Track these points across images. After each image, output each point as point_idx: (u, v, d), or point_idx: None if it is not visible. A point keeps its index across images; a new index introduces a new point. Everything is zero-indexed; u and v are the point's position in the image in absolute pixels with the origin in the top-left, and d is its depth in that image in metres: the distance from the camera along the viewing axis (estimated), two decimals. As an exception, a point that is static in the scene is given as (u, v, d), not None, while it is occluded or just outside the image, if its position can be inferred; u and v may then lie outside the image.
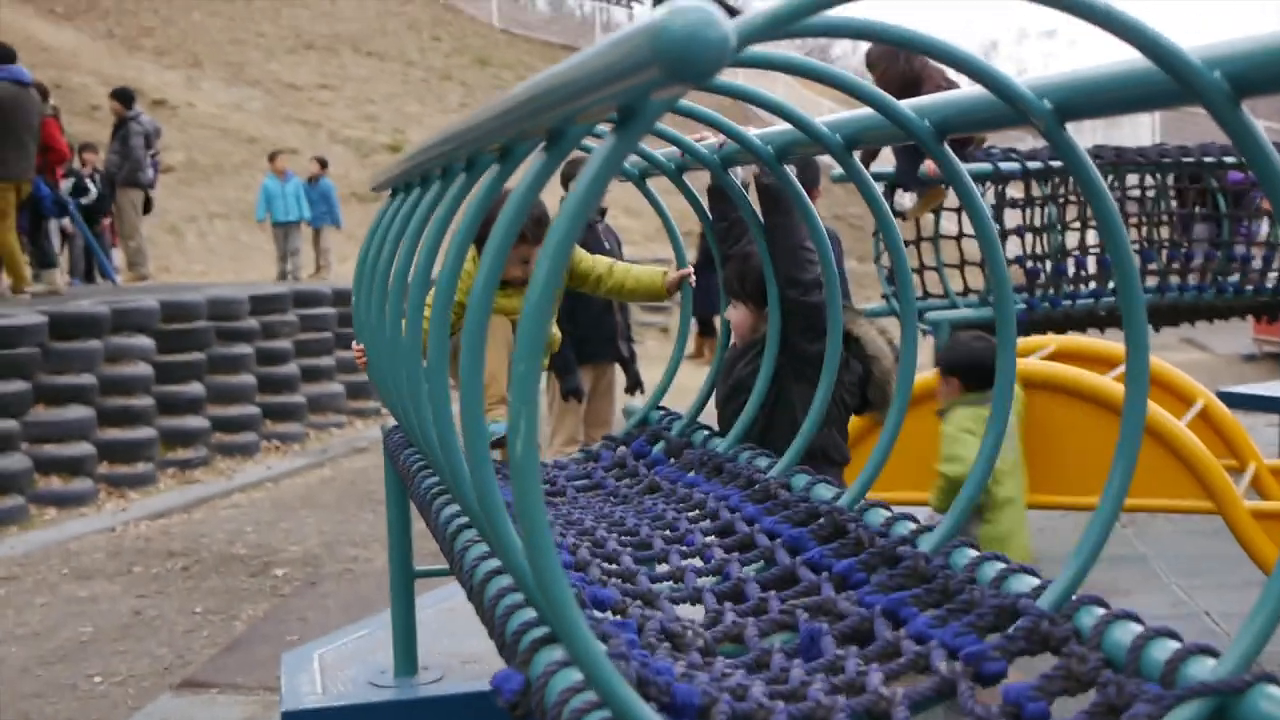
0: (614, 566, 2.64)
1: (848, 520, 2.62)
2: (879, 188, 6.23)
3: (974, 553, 2.30)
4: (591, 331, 7.61)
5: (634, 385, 8.10)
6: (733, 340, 4.23)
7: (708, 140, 3.56)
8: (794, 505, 2.84)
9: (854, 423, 5.10)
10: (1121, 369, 4.28)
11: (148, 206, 15.66)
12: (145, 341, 11.65)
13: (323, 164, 19.13)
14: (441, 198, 2.76)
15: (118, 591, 7.64)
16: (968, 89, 2.26)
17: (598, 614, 2.28)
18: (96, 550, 8.65)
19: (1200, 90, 1.57)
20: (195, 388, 12.14)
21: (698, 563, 2.67)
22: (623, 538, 2.86)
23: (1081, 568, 2.04)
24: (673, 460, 3.63)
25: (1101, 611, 1.94)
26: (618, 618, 2.30)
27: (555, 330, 4.28)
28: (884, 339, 4.21)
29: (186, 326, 12.27)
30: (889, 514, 2.62)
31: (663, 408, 4.21)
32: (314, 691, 4.28)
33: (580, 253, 4.29)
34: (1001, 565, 2.20)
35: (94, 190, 15.57)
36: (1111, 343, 7.91)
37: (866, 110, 2.49)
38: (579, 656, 1.57)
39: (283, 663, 4.57)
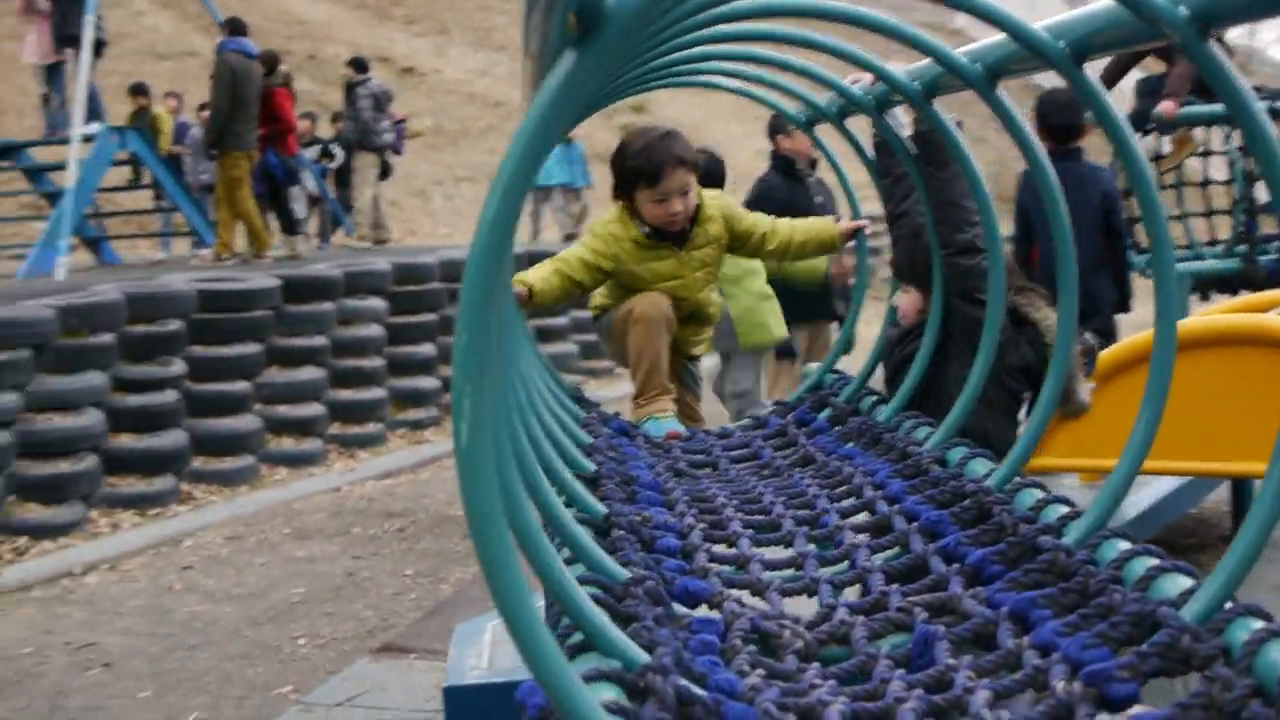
0: (729, 551, 2.41)
1: (994, 503, 2.31)
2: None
3: (1125, 545, 1.96)
4: (804, 292, 7.27)
5: (847, 345, 7.74)
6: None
7: (863, 81, 3.22)
8: (943, 484, 2.53)
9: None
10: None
11: (386, 171, 15.88)
12: (378, 303, 11.79)
13: (571, 125, 19.01)
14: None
15: (335, 552, 7.70)
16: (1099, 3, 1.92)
17: (682, 609, 2.04)
18: (320, 510, 8.77)
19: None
20: (427, 348, 12.24)
21: (828, 548, 2.40)
22: (752, 517, 2.60)
23: (1238, 568, 1.69)
24: (836, 428, 3.35)
25: (1258, 625, 1.59)
26: (712, 613, 2.06)
27: (715, 297, 3.98)
28: (1052, 309, 3.72)
29: (419, 288, 12.35)
30: (1042, 496, 2.29)
31: (837, 371, 3.92)
32: (479, 665, 4.14)
33: (739, 212, 3.94)
34: (1153, 562, 1.86)
35: (339, 155, 15.95)
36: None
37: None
38: (543, 679, 1.31)
39: (455, 633, 4.44)
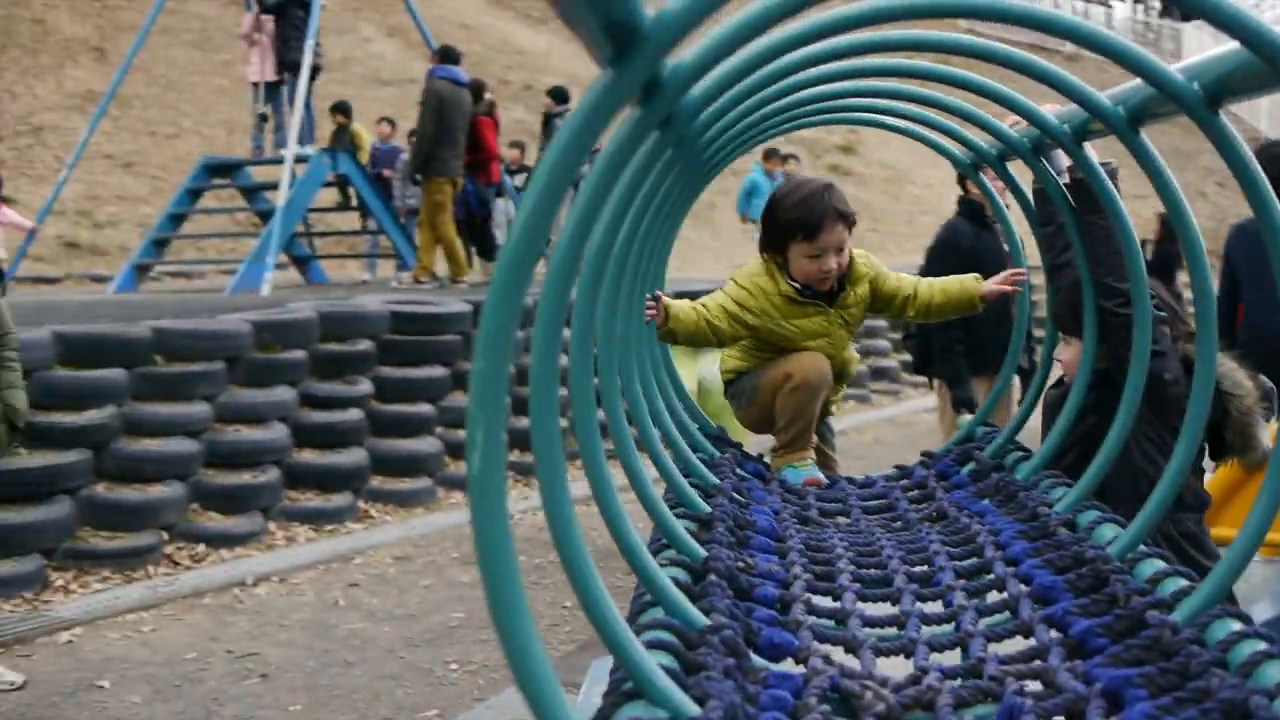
0: (833, 604, 2.32)
1: (1111, 571, 2.19)
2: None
3: (1236, 626, 1.83)
4: (987, 339, 7.07)
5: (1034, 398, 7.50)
6: (1063, 378, 3.73)
7: (1023, 124, 3.10)
8: (1065, 548, 2.41)
9: (1226, 473, 4.44)
10: None
11: (585, 201, 15.95)
12: (565, 333, 11.82)
13: (783, 158, 18.70)
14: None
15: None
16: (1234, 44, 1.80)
17: (763, 661, 1.97)
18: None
19: None
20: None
21: (935, 607, 2.31)
22: (865, 570, 2.51)
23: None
24: (976, 484, 3.23)
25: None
26: (797, 668, 1.98)
27: (854, 353, 3.84)
28: (1243, 372, 3.52)
29: None
30: (1162, 568, 2.16)
31: (989, 424, 3.79)
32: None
33: (884, 273, 3.75)
34: (1260, 646, 1.73)
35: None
36: None
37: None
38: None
39: (590, 669, 4.40)
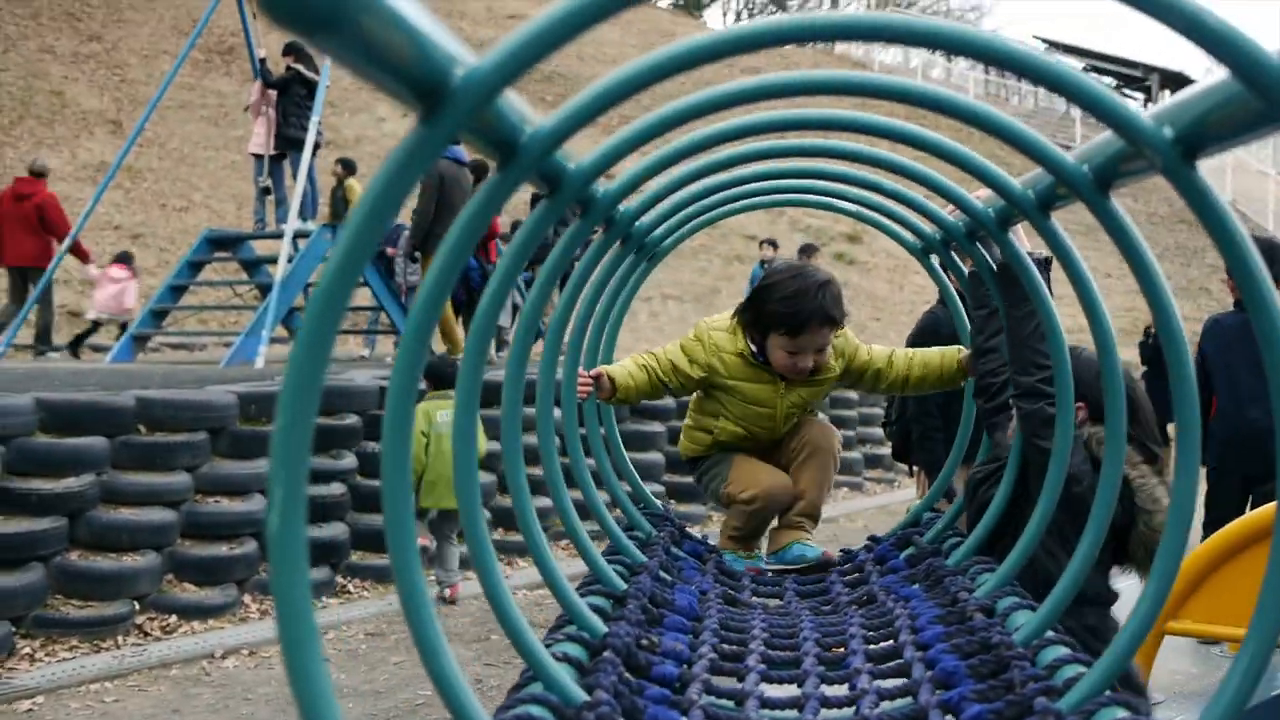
0: (734, 685, 2.28)
1: (1013, 658, 2.15)
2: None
3: (1122, 714, 1.79)
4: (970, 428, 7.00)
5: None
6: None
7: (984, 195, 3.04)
8: (976, 632, 2.37)
9: (1190, 564, 4.42)
10: None
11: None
12: (557, 413, 11.75)
13: (774, 245, 18.80)
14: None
15: (469, 658, 7.66)
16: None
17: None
18: (465, 615, 8.74)
19: None
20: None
21: (840, 690, 2.27)
22: (777, 652, 2.47)
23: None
24: (911, 569, 3.19)
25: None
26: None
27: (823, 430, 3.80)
28: (1164, 489, 3.25)
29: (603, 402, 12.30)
30: (1063, 654, 2.12)
31: (937, 510, 3.75)
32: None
33: (856, 345, 3.67)
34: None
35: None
36: None
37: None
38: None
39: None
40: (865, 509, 13.25)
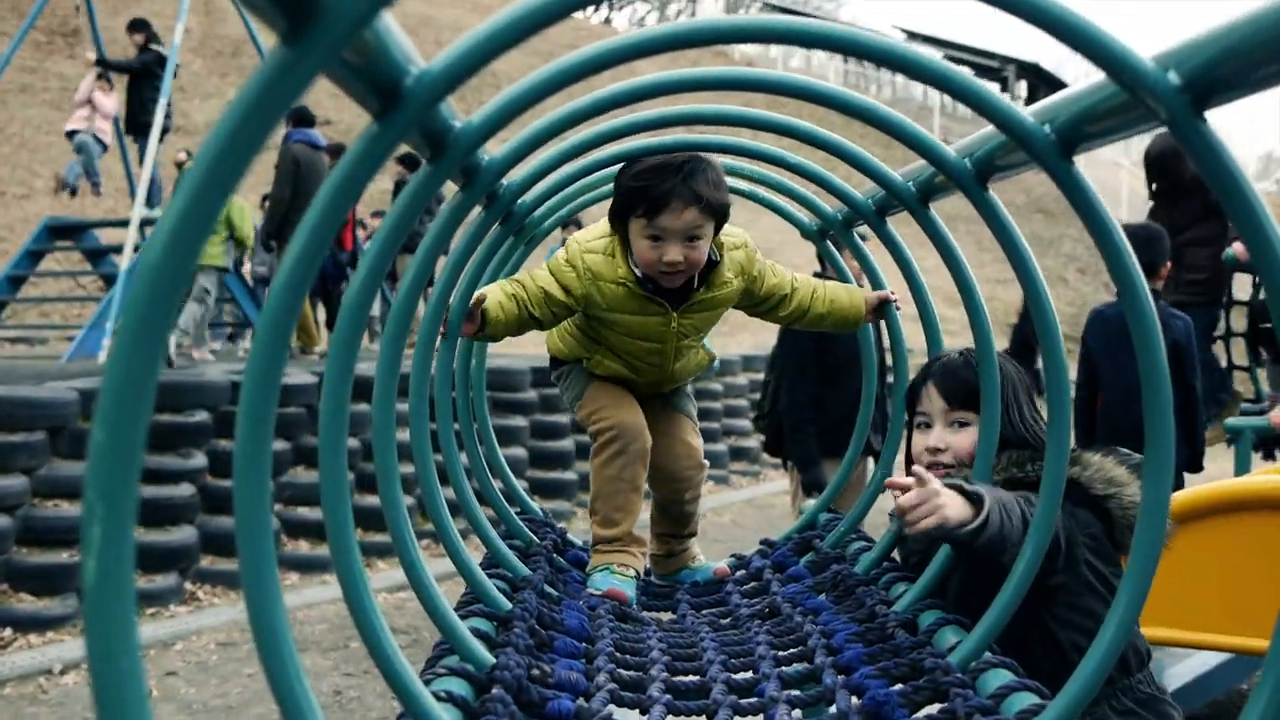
0: (640, 719, 2.04)
1: (953, 684, 1.93)
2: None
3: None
4: (841, 422, 6.81)
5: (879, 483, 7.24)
6: None
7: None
8: (904, 654, 2.15)
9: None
10: None
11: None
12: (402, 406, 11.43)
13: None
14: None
15: (327, 668, 7.28)
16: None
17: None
18: (322, 621, 8.32)
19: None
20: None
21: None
22: (681, 678, 2.23)
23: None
24: (814, 577, 2.96)
25: None
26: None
27: (703, 355, 3.24)
28: (1113, 461, 2.75)
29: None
30: (1009, 680, 1.90)
31: (833, 510, 3.54)
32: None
33: (762, 263, 3.08)
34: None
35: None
36: None
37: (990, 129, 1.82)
38: None
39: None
40: (732, 503, 13.05)
